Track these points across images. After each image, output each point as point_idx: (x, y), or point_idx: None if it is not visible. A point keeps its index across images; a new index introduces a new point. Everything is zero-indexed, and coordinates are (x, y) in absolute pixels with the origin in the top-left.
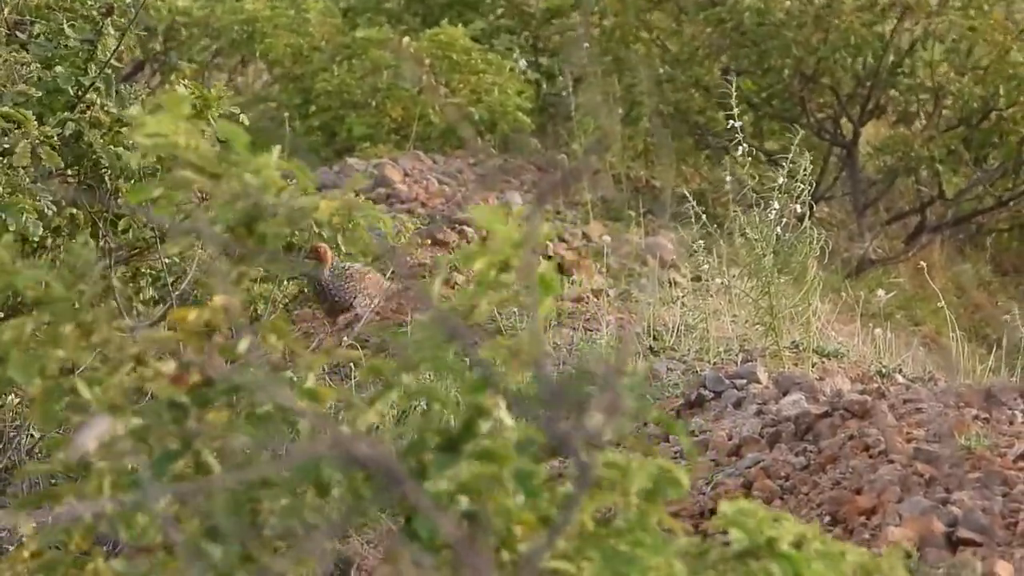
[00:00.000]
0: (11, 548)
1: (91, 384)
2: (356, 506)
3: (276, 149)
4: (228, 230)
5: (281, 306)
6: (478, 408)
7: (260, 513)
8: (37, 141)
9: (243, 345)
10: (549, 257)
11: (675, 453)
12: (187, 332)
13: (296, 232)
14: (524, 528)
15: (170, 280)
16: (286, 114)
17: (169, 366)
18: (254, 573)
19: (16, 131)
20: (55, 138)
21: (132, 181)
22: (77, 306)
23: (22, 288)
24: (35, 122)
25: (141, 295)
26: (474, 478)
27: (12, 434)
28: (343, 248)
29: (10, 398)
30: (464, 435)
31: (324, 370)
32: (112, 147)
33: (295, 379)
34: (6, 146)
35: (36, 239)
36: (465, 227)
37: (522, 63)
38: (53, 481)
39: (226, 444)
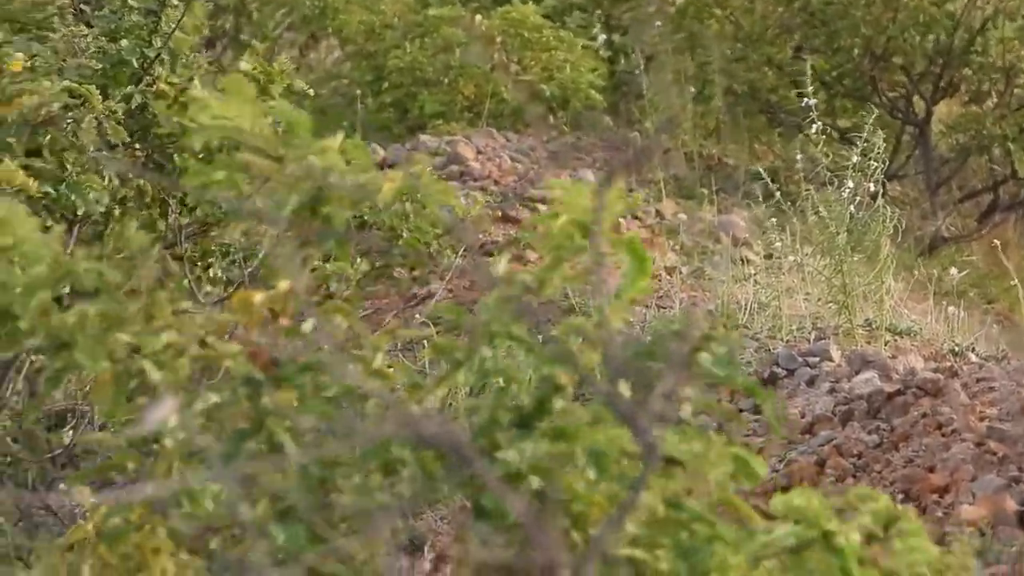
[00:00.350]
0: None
1: (158, 366)
2: (427, 485)
3: (340, 134)
4: (294, 212)
5: (354, 283)
6: (554, 384)
7: (331, 492)
8: (103, 115)
9: (308, 325)
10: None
11: (750, 431)
12: (250, 314)
13: (367, 210)
14: (595, 509)
15: (241, 257)
16: (358, 91)
17: (233, 348)
18: (324, 552)
19: (81, 106)
20: (120, 112)
21: (192, 161)
22: (135, 291)
23: (82, 278)
24: (99, 96)
25: (211, 272)
26: (546, 456)
27: (85, 409)
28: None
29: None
30: (537, 412)
31: (396, 347)
32: (176, 119)
33: (363, 359)
34: (70, 120)
35: (102, 210)
36: (538, 205)
37: (601, 38)
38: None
39: (297, 423)
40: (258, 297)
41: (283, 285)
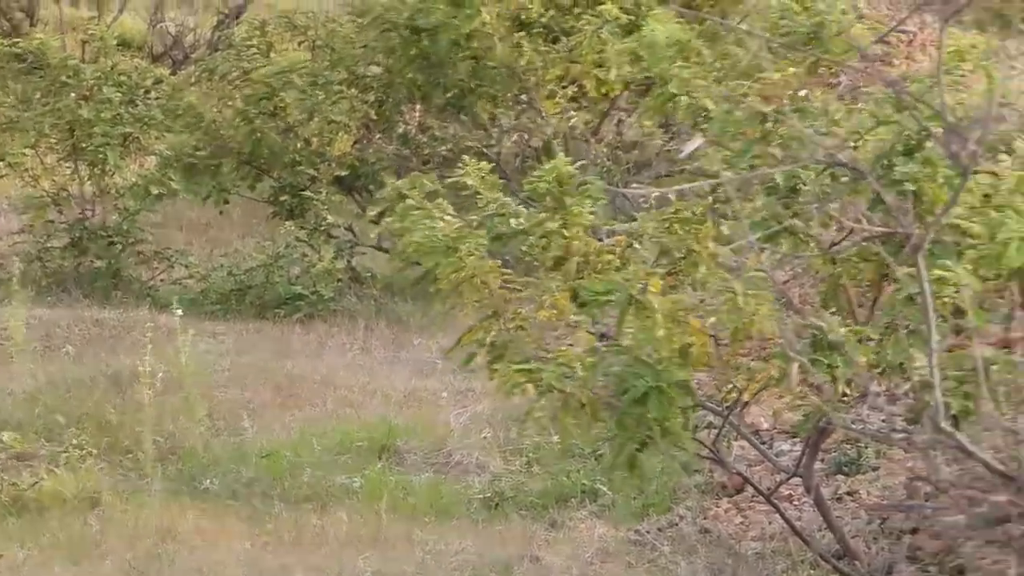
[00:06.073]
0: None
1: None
2: (838, 188)
3: None
4: None
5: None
6: (928, 133)
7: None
8: None
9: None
10: None
11: None
12: (768, 88)
13: None
14: (938, 201)
15: None
16: None
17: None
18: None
19: None
20: None
21: None
22: None
23: None
24: None
25: None
26: (916, 171)
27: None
28: None
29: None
30: (915, 148)
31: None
32: None
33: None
34: None
35: None
36: None
37: None
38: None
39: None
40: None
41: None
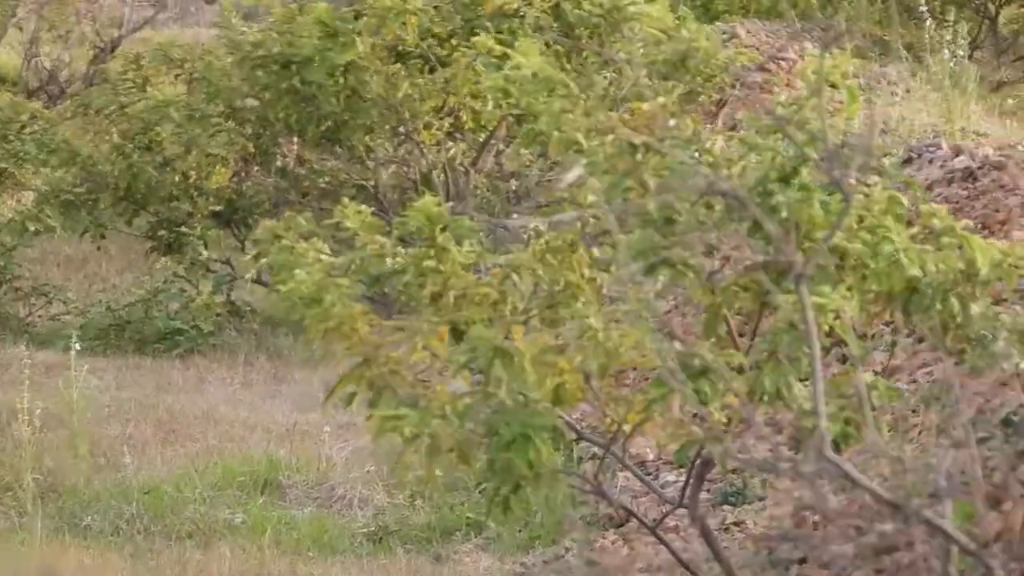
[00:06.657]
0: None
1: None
2: (725, 216)
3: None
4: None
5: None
6: (803, 159)
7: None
8: None
9: (671, 123)
10: None
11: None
12: (639, 119)
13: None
14: (819, 228)
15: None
16: None
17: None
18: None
19: None
20: None
21: None
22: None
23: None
24: None
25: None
26: (795, 198)
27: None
28: None
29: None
30: (792, 175)
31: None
32: None
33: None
34: None
35: None
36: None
37: None
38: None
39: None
40: (645, 108)
41: (646, 107)
